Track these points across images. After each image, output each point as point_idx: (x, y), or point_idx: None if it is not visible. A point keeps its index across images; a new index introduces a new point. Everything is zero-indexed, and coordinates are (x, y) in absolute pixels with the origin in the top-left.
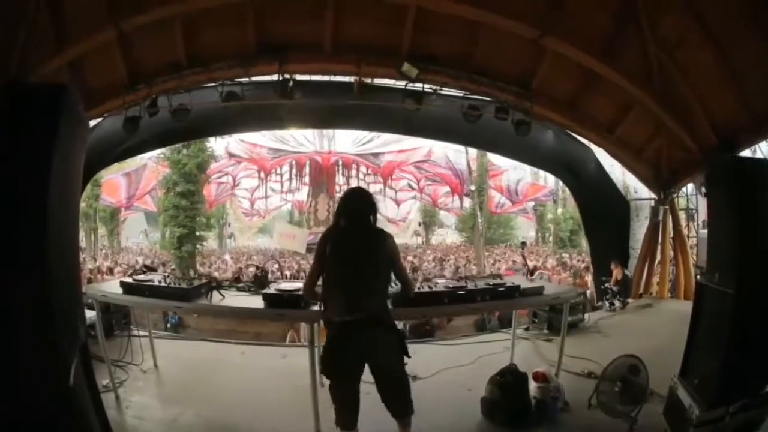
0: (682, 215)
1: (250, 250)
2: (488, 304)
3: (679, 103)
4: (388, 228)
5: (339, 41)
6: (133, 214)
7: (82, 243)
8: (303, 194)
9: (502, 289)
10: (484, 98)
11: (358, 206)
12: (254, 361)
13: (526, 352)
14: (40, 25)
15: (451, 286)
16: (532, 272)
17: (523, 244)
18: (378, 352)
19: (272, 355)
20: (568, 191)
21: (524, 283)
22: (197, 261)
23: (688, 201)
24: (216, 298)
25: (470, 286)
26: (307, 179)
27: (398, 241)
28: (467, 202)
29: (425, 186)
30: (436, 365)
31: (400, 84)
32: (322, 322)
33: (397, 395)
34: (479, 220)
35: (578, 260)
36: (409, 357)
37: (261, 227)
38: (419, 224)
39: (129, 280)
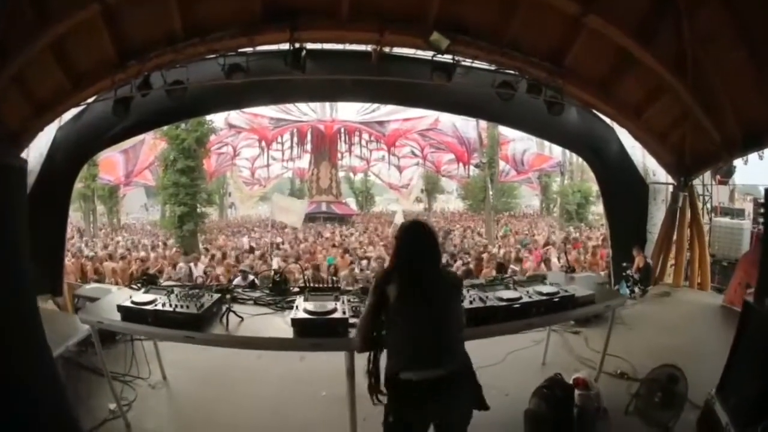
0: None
1: (252, 220)
2: (545, 318)
3: (709, 95)
4: (390, 194)
5: (358, 6)
6: (132, 189)
7: (81, 224)
8: (305, 162)
9: (557, 300)
10: (511, 72)
11: (421, 244)
12: (272, 365)
13: (556, 348)
14: (18, 7)
15: (504, 298)
16: (572, 270)
17: (566, 239)
18: (456, 415)
19: (290, 356)
20: (575, 164)
21: (576, 289)
22: (199, 239)
23: (704, 188)
24: (233, 319)
25: (524, 297)
26: (309, 147)
27: (400, 207)
28: (475, 173)
29: (429, 153)
30: None
31: (422, 54)
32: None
33: None
34: (490, 193)
35: (588, 236)
36: (487, 409)
37: (262, 196)
38: (421, 191)
39: (127, 303)
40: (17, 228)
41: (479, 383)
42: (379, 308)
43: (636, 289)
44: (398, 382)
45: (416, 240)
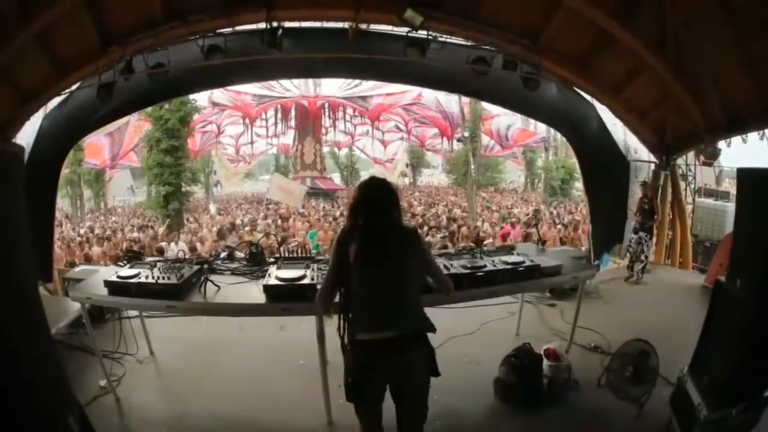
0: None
1: (237, 197)
2: (508, 286)
3: (692, 75)
4: (375, 169)
5: None
6: (118, 172)
7: (68, 209)
8: (289, 138)
9: (522, 269)
10: (487, 48)
11: (379, 201)
12: (253, 336)
13: (531, 319)
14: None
15: (468, 266)
16: (544, 242)
17: (536, 211)
18: (409, 376)
19: (270, 327)
20: (560, 139)
21: (543, 260)
22: (185, 217)
23: (687, 168)
24: (211, 289)
25: (489, 266)
26: (293, 123)
27: None
28: (459, 147)
29: (413, 128)
30: (440, 334)
31: (399, 31)
32: (341, 340)
33: (416, 424)
34: (472, 167)
35: (576, 212)
36: (438, 376)
37: (247, 173)
38: (406, 165)
39: (114, 278)
40: (18, 214)
41: (431, 346)
42: (340, 268)
43: (645, 248)
44: (355, 343)
45: (375, 197)
